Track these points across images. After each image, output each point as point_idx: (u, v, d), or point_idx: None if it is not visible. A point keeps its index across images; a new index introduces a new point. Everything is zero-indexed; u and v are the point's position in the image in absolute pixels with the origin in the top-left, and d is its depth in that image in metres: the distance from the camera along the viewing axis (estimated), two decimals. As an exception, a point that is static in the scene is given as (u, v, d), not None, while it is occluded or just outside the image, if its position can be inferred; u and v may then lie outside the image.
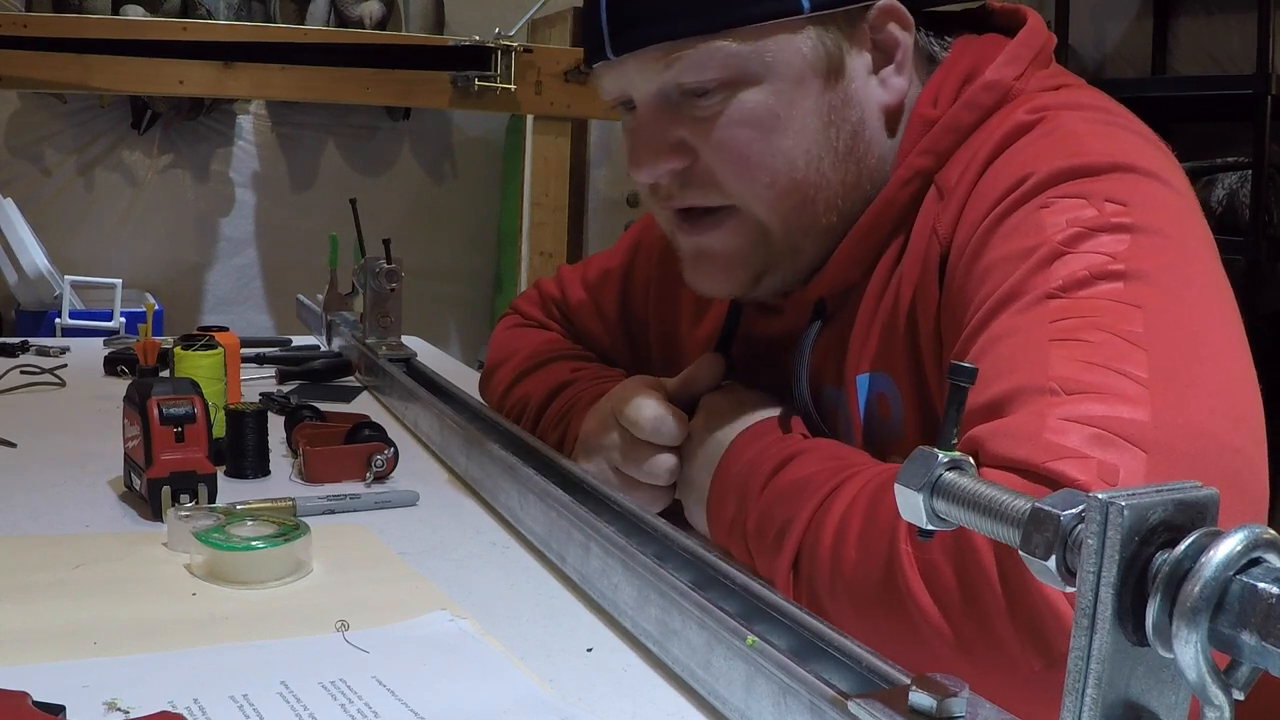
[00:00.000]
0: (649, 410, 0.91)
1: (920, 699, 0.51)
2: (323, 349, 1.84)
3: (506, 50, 2.66)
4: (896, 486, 0.51)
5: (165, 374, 1.27)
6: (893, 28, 0.86)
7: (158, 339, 1.47)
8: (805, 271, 0.91)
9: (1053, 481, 0.61)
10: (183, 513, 0.89)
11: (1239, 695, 0.38)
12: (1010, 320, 0.71)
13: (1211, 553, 0.38)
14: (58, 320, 3.13)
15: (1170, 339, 0.67)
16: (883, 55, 0.87)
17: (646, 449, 0.92)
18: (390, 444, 1.11)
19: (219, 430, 1.09)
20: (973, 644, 0.62)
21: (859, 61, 0.86)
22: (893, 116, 0.88)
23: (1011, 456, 0.63)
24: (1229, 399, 0.67)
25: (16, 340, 1.82)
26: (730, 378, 0.96)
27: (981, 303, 0.74)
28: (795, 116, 0.84)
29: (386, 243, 1.62)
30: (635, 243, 1.20)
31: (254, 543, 0.82)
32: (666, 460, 0.91)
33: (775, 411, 0.89)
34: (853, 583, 0.70)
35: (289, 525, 0.85)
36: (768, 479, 0.81)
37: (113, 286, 3.16)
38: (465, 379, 1.47)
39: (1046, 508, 0.43)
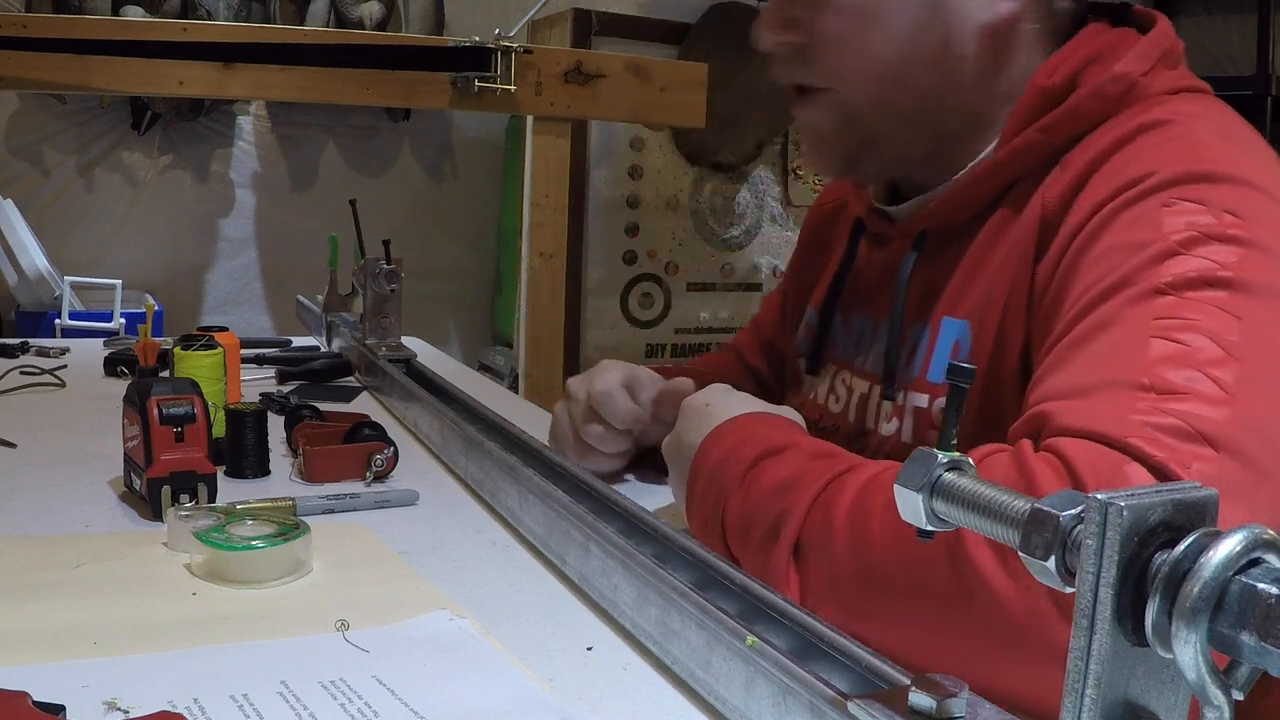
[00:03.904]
0: (600, 384, 1.08)
1: (920, 699, 0.51)
2: (322, 350, 1.84)
3: (506, 51, 2.65)
4: (896, 487, 0.51)
5: (165, 374, 1.27)
6: None
7: (157, 339, 1.48)
8: (904, 165, 0.98)
9: (1130, 452, 0.63)
10: (183, 513, 0.89)
11: (1239, 695, 0.38)
12: (1116, 308, 0.74)
13: (1211, 553, 0.38)
14: (58, 321, 3.13)
15: (1263, 353, 0.69)
16: None
17: (590, 415, 1.08)
18: (390, 443, 1.11)
19: (219, 430, 1.09)
20: (1033, 607, 0.62)
21: None
22: (995, 39, 0.92)
23: (1090, 428, 0.66)
24: None
25: (16, 341, 1.82)
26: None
27: (1091, 284, 0.77)
28: (894, 10, 0.91)
29: (386, 243, 1.62)
30: (799, 246, 1.28)
31: (254, 542, 0.82)
32: (595, 430, 1.08)
33: (748, 409, 0.90)
34: (885, 559, 0.69)
35: (289, 525, 0.85)
36: (744, 474, 0.82)
37: (113, 287, 3.16)
38: (465, 379, 1.47)
39: (1046, 508, 0.43)
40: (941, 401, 0.90)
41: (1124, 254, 0.76)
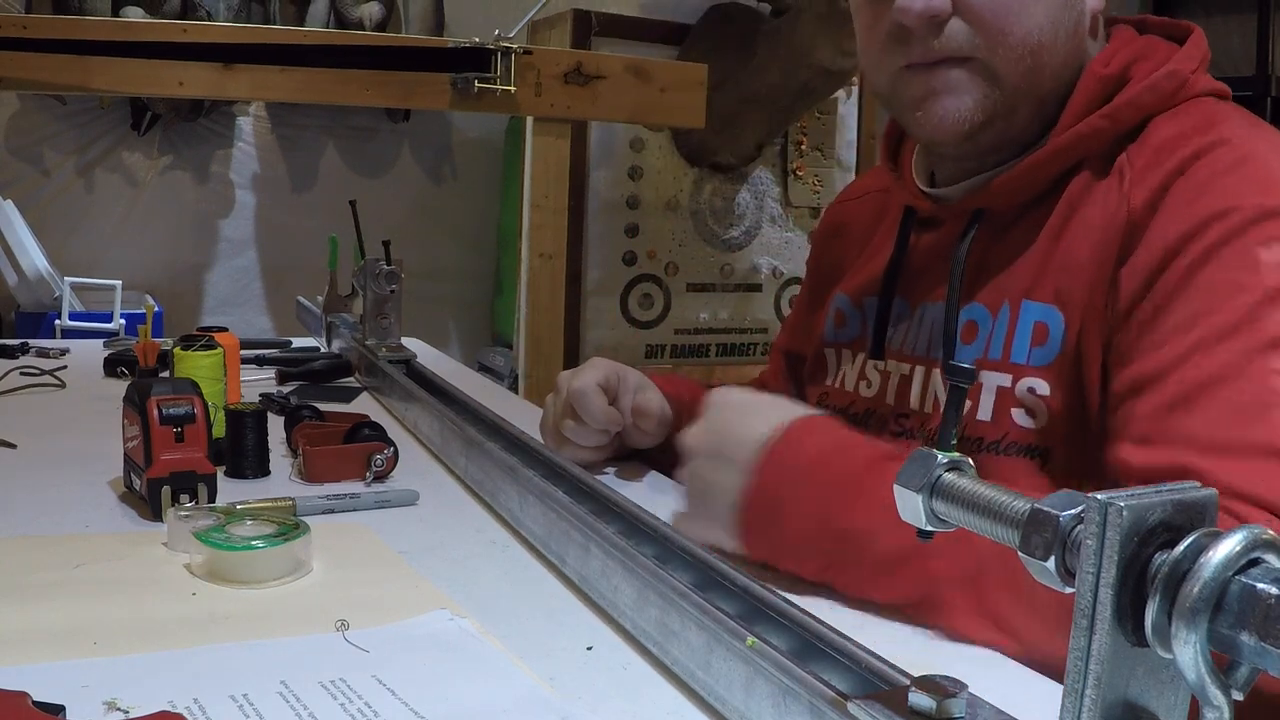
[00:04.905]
0: (578, 383, 1.11)
1: (920, 700, 0.51)
2: (322, 350, 1.84)
3: (506, 52, 2.65)
4: (895, 487, 0.51)
5: (165, 374, 1.27)
6: None
7: (157, 340, 1.48)
8: (1015, 139, 0.99)
9: None
10: (183, 513, 0.89)
11: (1238, 695, 0.38)
12: (1235, 358, 0.80)
13: (1210, 553, 0.38)
14: (58, 322, 3.13)
15: None
16: None
17: (568, 410, 1.12)
18: (390, 443, 1.11)
19: (219, 430, 1.09)
20: None
21: None
22: (1094, 26, 0.99)
23: (1250, 492, 0.74)
24: None
25: (16, 342, 1.82)
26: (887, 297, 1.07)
27: (1198, 316, 0.82)
28: None
29: (386, 244, 1.62)
30: (817, 243, 1.29)
31: (254, 542, 0.82)
32: (569, 425, 1.12)
33: (798, 409, 0.89)
34: None
35: (289, 525, 0.85)
36: (862, 474, 0.81)
37: (112, 288, 3.15)
38: (465, 380, 1.47)
39: (1046, 508, 0.43)
40: (1028, 381, 0.92)
41: (1227, 292, 0.82)
